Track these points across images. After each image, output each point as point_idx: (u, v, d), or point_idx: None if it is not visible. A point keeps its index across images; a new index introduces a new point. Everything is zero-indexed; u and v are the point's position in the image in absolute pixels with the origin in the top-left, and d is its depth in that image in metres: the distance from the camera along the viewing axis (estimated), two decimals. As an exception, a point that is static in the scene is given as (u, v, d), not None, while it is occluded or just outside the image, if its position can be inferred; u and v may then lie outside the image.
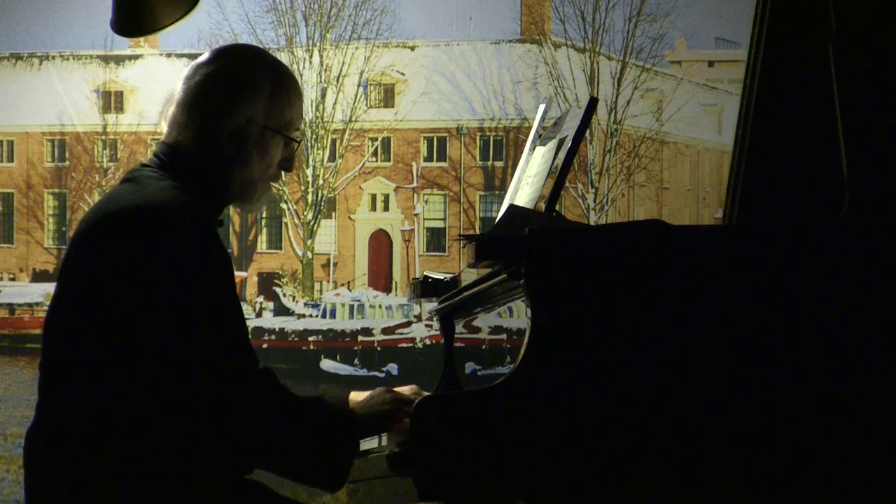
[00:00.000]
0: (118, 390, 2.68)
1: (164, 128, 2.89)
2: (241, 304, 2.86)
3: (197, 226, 2.73)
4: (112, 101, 49.86)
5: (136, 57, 51.61)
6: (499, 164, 47.34)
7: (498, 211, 3.25)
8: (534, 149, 3.37)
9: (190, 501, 2.72)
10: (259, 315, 39.66)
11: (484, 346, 32.47)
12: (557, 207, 3.08)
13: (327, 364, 34.37)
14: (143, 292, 2.66)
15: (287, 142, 2.92)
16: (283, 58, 45.07)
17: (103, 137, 49.08)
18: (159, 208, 2.72)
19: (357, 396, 3.05)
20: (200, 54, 2.96)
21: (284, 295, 41.56)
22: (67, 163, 50.29)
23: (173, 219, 2.71)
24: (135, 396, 2.68)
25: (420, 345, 34.18)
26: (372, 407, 2.92)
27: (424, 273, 3.68)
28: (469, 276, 3.38)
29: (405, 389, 3.11)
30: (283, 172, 2.94)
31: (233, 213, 49.53)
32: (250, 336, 2.79)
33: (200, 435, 2.70)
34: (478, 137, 47.96)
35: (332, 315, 37.43)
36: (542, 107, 3.51)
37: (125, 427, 2.69)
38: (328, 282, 46.70)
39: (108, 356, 2.68)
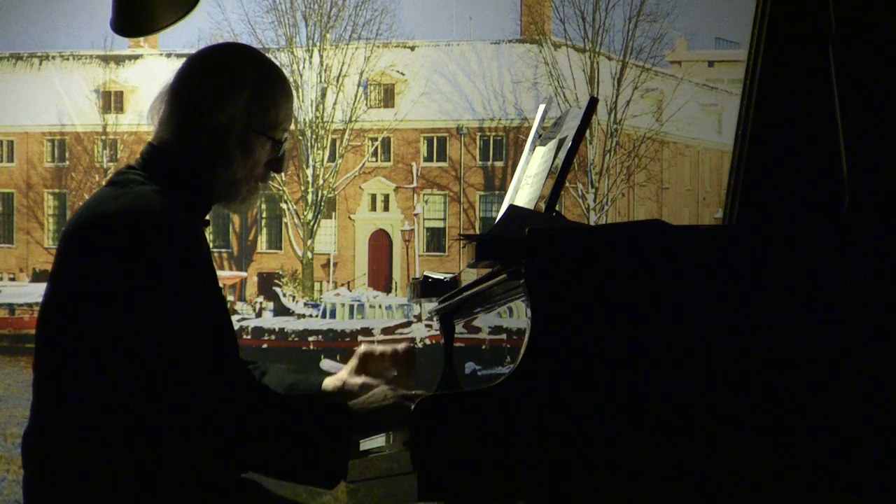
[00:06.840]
0: (108, 392, 2.69)
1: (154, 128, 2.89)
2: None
3: (179, 231, 2.73)
4: (112, 101, 49.87)
5: (136, 57, 51.62)
6: (499, 164, 47.35)
7: (498, 211, 3.25)
8: (534, 149, 3.37)
9: (186, 501, 2.73)
10: (259, 315, 39.61)
11: (484, 346, 32.49)
12: (557, 207, 3.08)
13: (327, 364, 34.35)
14: (127, 297, 2.67)
15: (274, 143, 2.88)
16: (283, 58, 45.27)
17: (103, 137, 49.09)
18: (142, 213, 2.72)
19: (353, 378, 3.06)
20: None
21: (284, 295, 41.54)
22: (67, 163, 50.31)
23: (156, 224, 2.71)
24: (124, 398, 2.69)
25: (420, 345, 34.17)
26: (371, 403, 2.88)
27: (424, 273, 3.68)
28: (469, 276, 3.38)
29: (400, 346, 3.10)
30: (272, 173, 2.92)
31: (232, 213, 49.23)
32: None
33: (188, 436, 2.70)
34: (478, 137, 47.97)
35: (332, 315, 37.44)
36: (542, 107, 3.51)
37: (118, 428, 2.69)
38: (328, 282, 46.69)
39: (96, 358, 2.69)
